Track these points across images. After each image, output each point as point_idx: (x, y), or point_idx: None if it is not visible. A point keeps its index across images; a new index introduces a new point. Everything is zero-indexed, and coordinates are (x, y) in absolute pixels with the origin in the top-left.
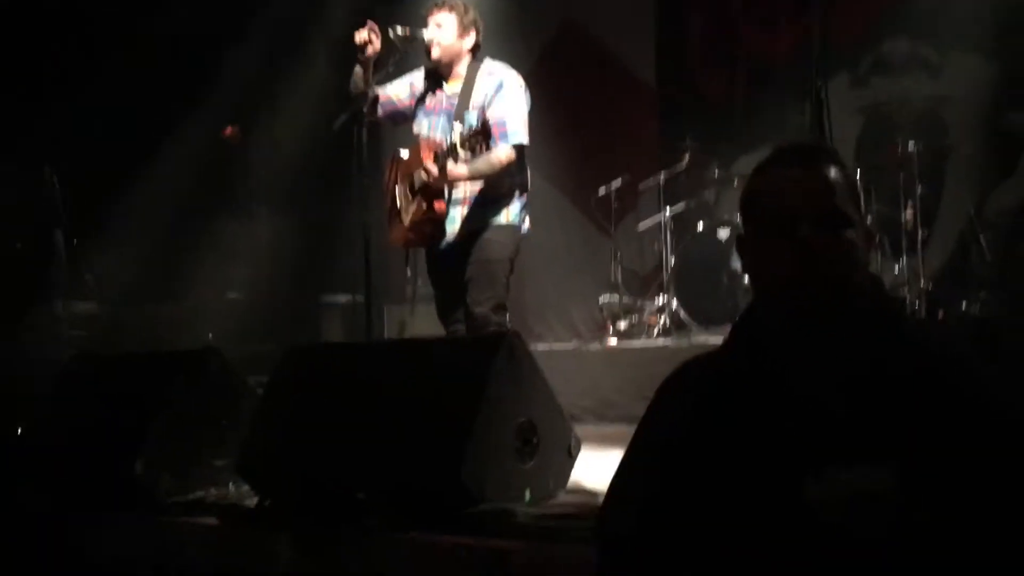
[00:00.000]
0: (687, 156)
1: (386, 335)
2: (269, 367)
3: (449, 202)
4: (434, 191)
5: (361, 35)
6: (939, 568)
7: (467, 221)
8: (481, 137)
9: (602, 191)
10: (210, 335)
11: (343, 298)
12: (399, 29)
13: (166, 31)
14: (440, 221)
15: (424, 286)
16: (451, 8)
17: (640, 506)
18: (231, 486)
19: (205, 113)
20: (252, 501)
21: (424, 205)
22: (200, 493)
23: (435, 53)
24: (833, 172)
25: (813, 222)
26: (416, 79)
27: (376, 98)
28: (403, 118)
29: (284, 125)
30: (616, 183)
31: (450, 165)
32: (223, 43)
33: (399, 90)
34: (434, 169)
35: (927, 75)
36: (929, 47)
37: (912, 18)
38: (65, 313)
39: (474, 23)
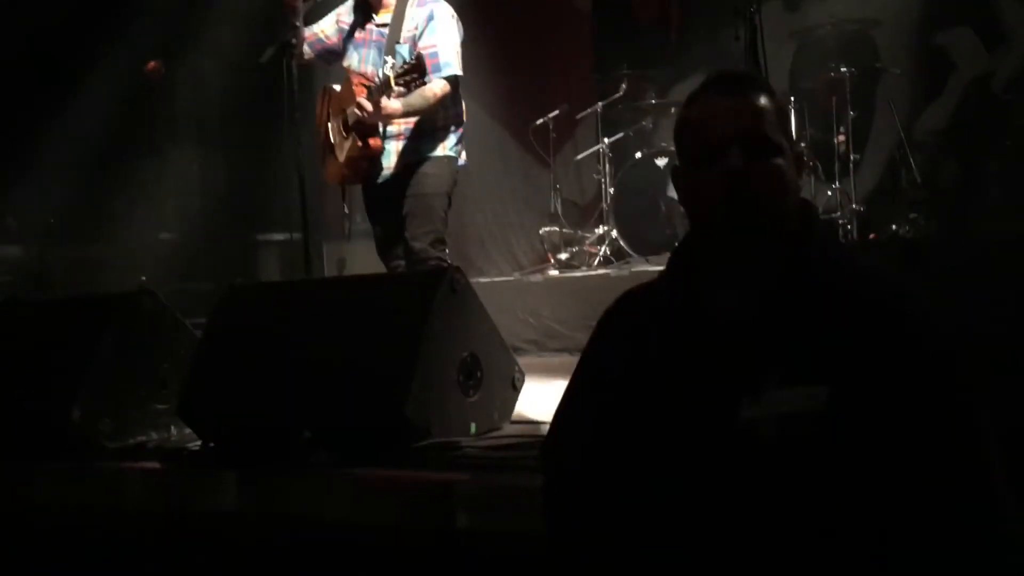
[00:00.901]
0: (624, 84)
1: (325, 272)
2: (207, 308)
3: (384, 137)
4: (369, 127)
5: None
6: (864, 486)
7: (403, 155)
8: (415, 73)
9: (539, 122)
10: (143, 277)
11: (280, 236)
12: None
13: None
14: (376, 157)
15: (362, 222)
16: None
17: (584, 434)
18: (172, 429)
19: (127, 46)
20: (195, 444)
21: (359, 142)
22: (141, 438)
23: None
24: (762, 99)
25: (741, 150)
26: (343, 12)
27: (302, 39)
28: (334, 56)
29: (209, 58)
30: (553, 113)
31: (384, 101)
32: None
33: (326, 27)
34: (368, 105)
35: None
36: None
37: None
38: None
39: None
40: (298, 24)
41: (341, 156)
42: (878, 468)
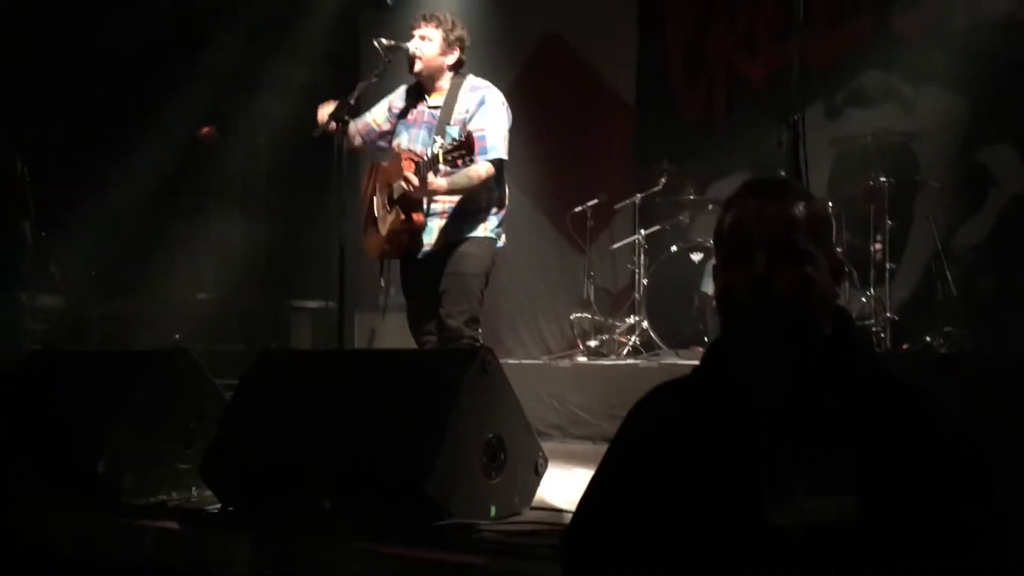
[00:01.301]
0: (663, 178)
1: (356, 342)
2: (238, 369)
3: (427, 214)
4: (413, 202)
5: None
6: None
7: (444, 233)
8: (463, 151)
9: (578, 209)
10: (178, 335)
11: (314, 303)
12: (384, 40)
13: (146, 26)
14: (417, 232)
15: (396, 295)
16: (438, 23)
17: (609, 526)
18: (194, 490)
19: (182, 110)
20: (215, 507)
21: (402, 216)
22: (162, 496)
23: (417, 67)
24: (795, 208)
25: (769, 256)
26: (395, 99)
27: (352, 133)
28: (385, 140)
29: (262, 127)
30: (592, 202)
31: (431, 177)
32: (203, 40)
33: (378, 115)
34: (415, 180)
35: (900, 109)
36: (903, 82)
37: (887, 52)
38: (29, 306)
39: (459, 40)
40: (351, 103)
41: (383, 229)
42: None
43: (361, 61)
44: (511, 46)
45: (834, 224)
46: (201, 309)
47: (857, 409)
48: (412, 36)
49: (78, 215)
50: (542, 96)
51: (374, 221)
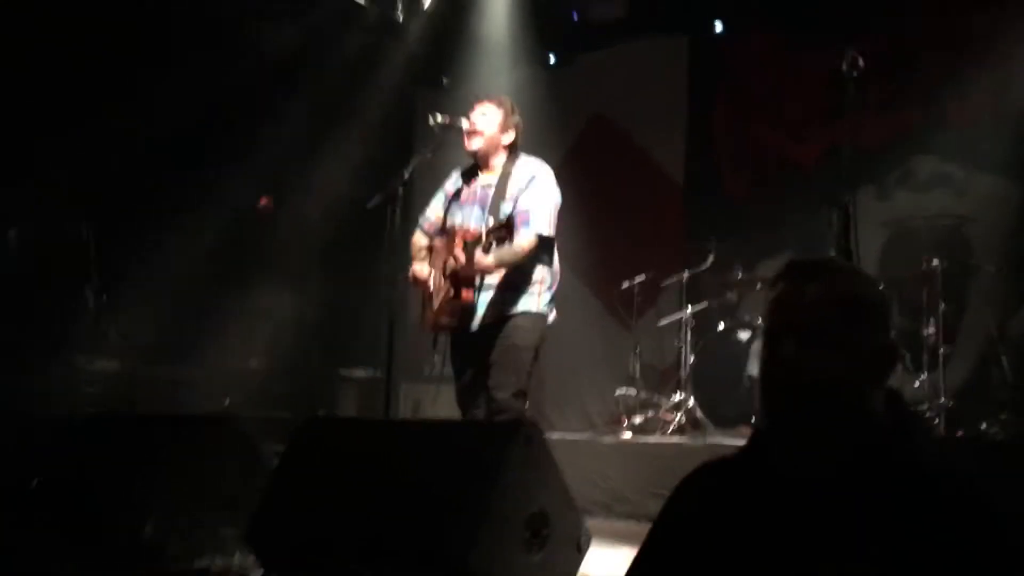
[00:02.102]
0: (711, 256)
1: (401, 412)
2: (284, 436)
3: (480, 289)
4: (464, 279)
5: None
6: None
7: (495, 306)
8: (503, 231)
9: (625, 284)
10: (227, 401)
11: (361, 372)
12: (439, 116)
13: (210, 96)
14: (468, 308)
15: (441, 366)
16: (499, 103)
17: None
18: (237, 556)
19: (241, 181)
20: (258, 573)
21: (452, 291)
22: (206, 561)
23: (476, 143)
24: (834, 289)
25: (796, 339)
26: (447, 186)
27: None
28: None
29: (316, 199)
30: (640, 278)
31: (478, 254)
32: (263, 114)
33: (438, 209)
34: (462, 257)
35: (952, 193)
36: (955, 166)
37: (940, 136)
38: (85, 369)
39: (516, 124)
40: (405, 176)
41: (436, 303)
42: None
43: (415, 137)
44: (560, 126)
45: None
46: (251, 376)
47: (906, 495)
48: (472, 111)
49: (137, 281)
50: (590, 174)
51: (430, 296)
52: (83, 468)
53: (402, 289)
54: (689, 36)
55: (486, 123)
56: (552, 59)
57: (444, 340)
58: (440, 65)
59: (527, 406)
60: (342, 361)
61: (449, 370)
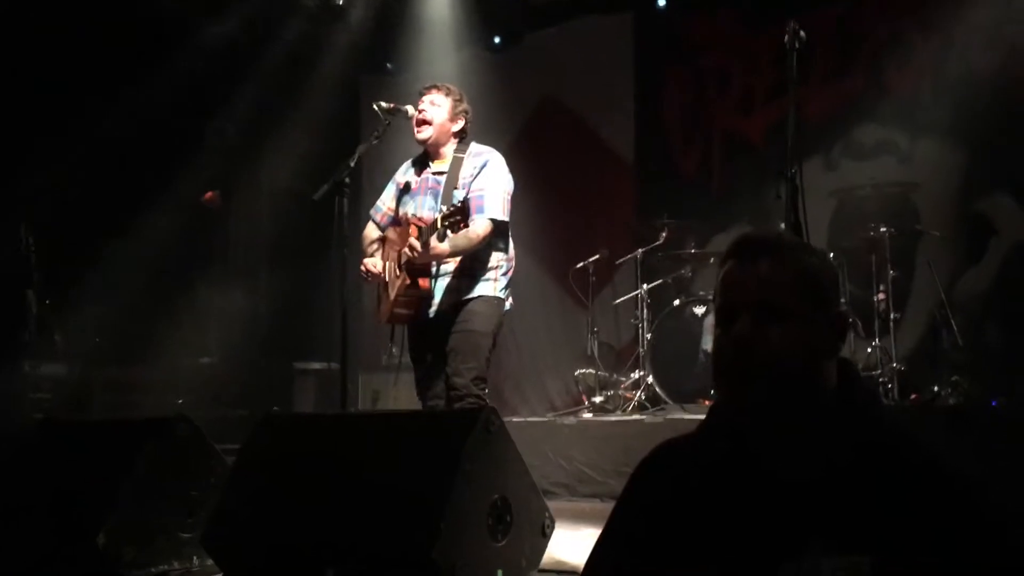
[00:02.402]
0: (664, 233)
1: (359, 403)
2: (241, 434)
3: (436, 276)
4: (419, 268)
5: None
6: None
7: (452, 292)
8: (458, 216)
9: (579, 265)
10: (180, 400)
11: (317, 364)
12: (383, 103)
13: (152, 95)
14: (425, 297)
15: (399, 356)
16: (448, 92)
17: None
18: (195, 560)
19: (185, 178)
20: None
21: (408, 281)
22: (163, 567)
23: (425, 133)
24: (784, 264)
25: (749, 316)
26: (398, 176)
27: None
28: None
29: (265, 193)
30: (594, 258)
31: (433, 241)
32: (205, 109)
33: (388, 200)
34: (418, 245)
35: (897, 161)
36: (899, 133)
37: (882, 105)
38: (32, 375)
39: (464, 113)
40: (351, 164)
41: (392, 294)
42: None
43: (362, 125)
44: (509, 108)
45: (839, 276)
46: (204, 374)
47: (868, 467)
48: (420, 100)
49: (82, 283)
50: (541, 156)
51: (386, 287)
52: (32, 477)
53: (354, 279)
54: (633, 13)
55: (435, 112)
56: (497, 40)
57: (401, 330)
58: (384, 51)
59: (487, 392)
60: (297, 355)
61: (407, 358)
